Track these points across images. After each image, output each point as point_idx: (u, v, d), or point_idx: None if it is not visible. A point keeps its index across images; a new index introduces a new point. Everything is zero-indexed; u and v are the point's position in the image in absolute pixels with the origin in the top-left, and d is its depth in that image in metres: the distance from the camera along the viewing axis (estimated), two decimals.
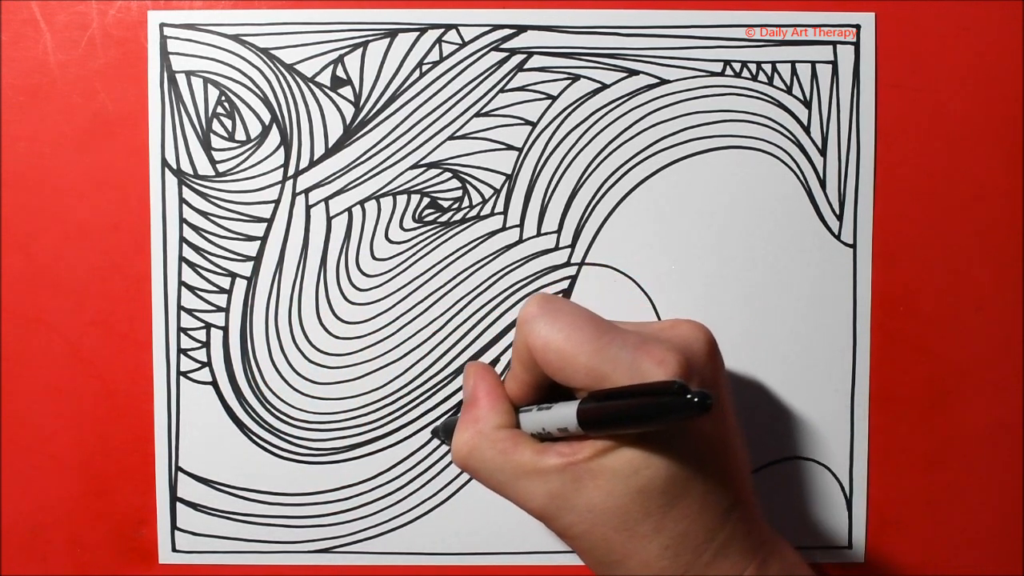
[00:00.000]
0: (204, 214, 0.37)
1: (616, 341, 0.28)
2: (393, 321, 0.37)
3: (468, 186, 0.37)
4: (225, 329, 0.37)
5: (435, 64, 0.36)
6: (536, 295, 0.30)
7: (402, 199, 0.37)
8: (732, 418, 0.30)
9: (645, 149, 0.37)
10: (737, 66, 0.37)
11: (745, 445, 0.31)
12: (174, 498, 0.37)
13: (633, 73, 0.37)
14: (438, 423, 0.37)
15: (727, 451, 0.29)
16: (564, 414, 0.28)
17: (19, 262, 0.36)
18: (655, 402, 0.25)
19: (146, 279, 0.37)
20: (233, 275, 0.37)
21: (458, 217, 0.37)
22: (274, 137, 0.36)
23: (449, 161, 0.37)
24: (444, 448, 0.37)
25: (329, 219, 0.37)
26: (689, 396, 0.24)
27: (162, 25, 0.36)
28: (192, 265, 0.37)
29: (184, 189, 0.36)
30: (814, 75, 0.37)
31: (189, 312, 0.37)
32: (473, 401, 0.31)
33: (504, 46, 0.37)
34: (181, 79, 0.36)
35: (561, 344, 0.28)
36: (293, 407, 0.37)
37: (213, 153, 0.36)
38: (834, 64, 0.37)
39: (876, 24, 0.37)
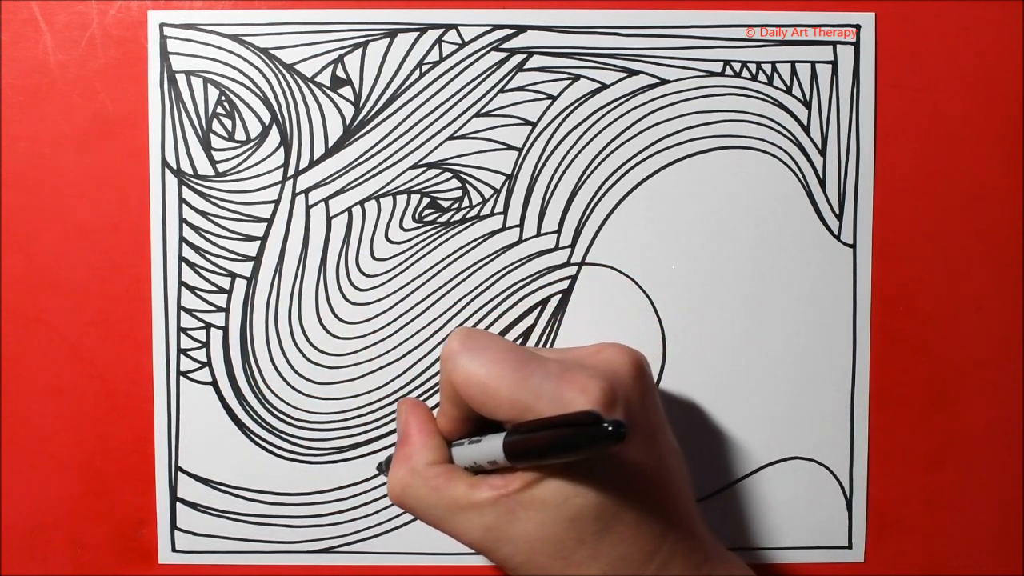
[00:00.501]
0: (204, 214, 0.37)
1: (537, 372, 0.28)
2: (393, 321, 0.37)
3: (468, 186, 0.37)
4: (225, 329, 0.37)
5: (435, 64, 0.36)
6: (458, 330, 0.30)
7: (402, 199, 0.37)
8: (665, 438, 0.30)
9: (645, 149, 0.37)
10: (737, 66, 0.37)
11: (683, 464, 0.31)
12: (174, 498, 0.37)
13: (633, 73, 0.37)
14: (382, 458, 0.37)
15: (660, 472, 0.29)
16: (492, 447, 0.28)
17: (19, 262, 0.36)
18: (571, 433, 0.25)
19: (146, 279, 0.37)
20: (233, 275, 0.37)
21: (458, 217, 0.37)
22: (274, 137, 0.36)
23: (449, 161, 0.37)
24: None
25: (329, 219, 0.37)
26: (604, 425, 0.24)
27: (162, 25, 0.36)
28: (192, 265, 0.37)
29: (184, 189, 0.36)
30: (814, 75, 0.37)
31: (189, 312, 0.37)
32: (405, 438, 0.31)
33: (504, 46, 0.37)
34: (181, 79, 0.36)
35: (483, 378, 0.28)
36: (293, 407, 0.37)
37: (213, 153, 0.36)
38: (834, 64, 0.37)
39: (876, 24, 0.37)
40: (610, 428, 0.24)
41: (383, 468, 0.36)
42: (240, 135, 0.36)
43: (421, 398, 0.37)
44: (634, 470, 0.28)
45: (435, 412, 0.32)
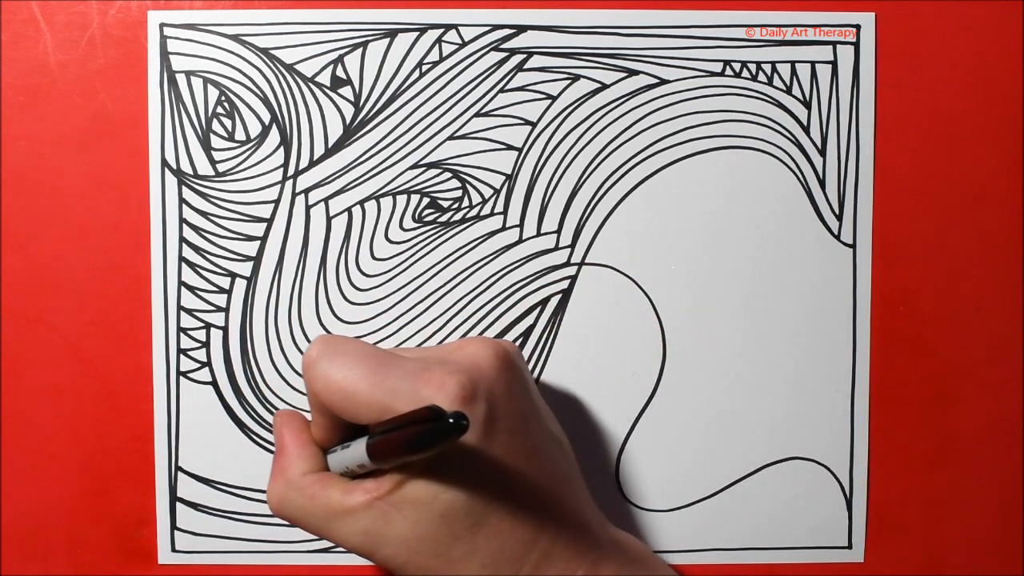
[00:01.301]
0: (204, 214, 0.37)
1: (395, 372, 0.28)
2: (393, 321, 0.37)
3: (468, 186, 0.37)
4: (225, 329, 0.37)
5: (435, 64, 0.36)
6: (318, 337, 0.30)
7: (402, 199, 0.37)
8: (539, 426, 0.30)
9: (645, 149, 0.37)
10: (737, 66, 0.37)
11: (564, 450, 0.31)
12: (174, 498, 0.37)
13: (633, 73, 0.37)
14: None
15: (533, 461, 0.29)
16: (360, 450, 0.28)
17: (19, 262, 0.36)
18: (419, 430, 0.25)
19: (146, 279, 0.37)
20: (233, 275, 0.37)
21: (458, 217, 0.37)
22: (274, 137, 0.36)
23: (449, 161, 0.37)
24: None
25: (329, 219, 0.37)
26: (447, 419, 0.24)
27: (162, 25, 0.36)
28: (192, 265, 0.37)
29: (184, 189, 0.36)
30: (814, 75, 0.37)
31: (189, 312, 0.37)
32: (280, 450, 0.31)
33: (504, 46, 0.37)
34: (181, 79, 0.36)
35: (341, 383, 0.28)
36: (293, 407, 0.37)
37: (213, 153, 0.36)
38: (834, 64, 0.37)
39: (876, 24, 0.37)
40: (452, 421, 0.24)
41: None
42: (240, 135, 0.36)
43: None
44: (503, 462, 0.28)
45: None
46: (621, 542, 0.31)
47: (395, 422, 0.27)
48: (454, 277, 0.37)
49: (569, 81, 0.37)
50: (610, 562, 0.30)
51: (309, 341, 0.37)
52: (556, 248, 0.37)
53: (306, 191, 0.37)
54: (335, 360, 0.29)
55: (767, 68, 0.37)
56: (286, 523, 0.37)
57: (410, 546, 0.28)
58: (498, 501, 0.28)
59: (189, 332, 0.37)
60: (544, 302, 0.37)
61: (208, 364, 0.37)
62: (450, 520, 0.28)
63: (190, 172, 0.36)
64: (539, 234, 0.37)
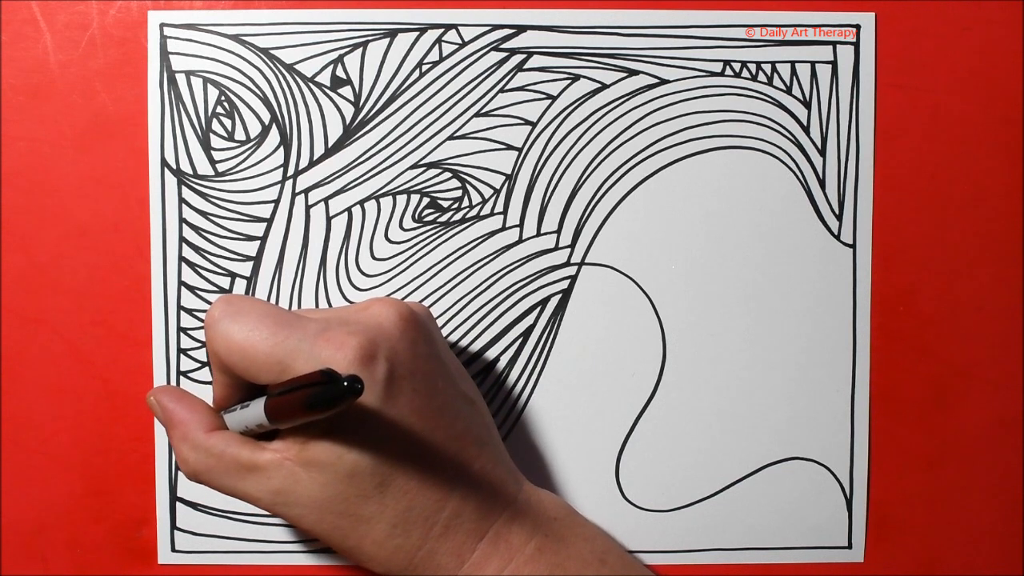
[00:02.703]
0: (204, 214, 0.37)
1: (296, 332, 0.28)
2: None
3: (468, 186, 0.37)
4: None
5: (435, 64, 0.36)
6: (221, 297, 0.30)
7: (402, 199, 0.37)
8: (447, 386, 0.30)
9: (645, 149, 0.37)
10: (737, 66, 0.37)
11: (474, 408, 0.31)
12: (174, 498, 0.37)
13: (633, 73, 0.37)
14: None
15: (440, 421, 0.29)
16: (259, 410, 0.28)
17: (19, 262, 0.36)
18: (314, 392, 0.25)
19: (146, 279, 0.37)
20: (233, 275, 0.37)
21: (458, 217, 0.37)
22: (274, 137, 0.36)
23: (449, 161, 0.37)
24: None
25: (329, 219, 0.37)
26: (340, 382, 0.24)
27: (162, 25, 0.36)
28: (192, 265, 0.37)
29: (184, 189, 0.36)
30: (814, 75, 0.37)
31: (189, 312, 0.37)
32: (170, 421, 0.31)
33: (504, 46, 0.37)
34: (181, 79, 0.36)
35: (241, 343, 0.28)
36: None
37: (213, 153, 0.36)
38: (834, 64, 0.37)
39: (876, 24, 0.37)
40: (346, 384, 0.24)
41: None
42: (240, 135, 0.36)
43: None
44: (408, 422, 0.28)
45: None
46: (537, 501, 0.31)
47: (293, 383, 0.27)
48: (454, 277, 0.37)
49: (569, 81, 0.37)
50: (524, 519, 0.30)
51: None
52: (556, 248, 0.37)
53: (306, 191, 0.37)
54: (237, 319, 0.29)
55: (767, 68, 0.37)
56: (286, 523, 0.37)
57: (319, 505, 0.28)
58: (404, 461, 0.28)
59: (189, 332, 0.37)
60: (544, 302, 0.37)
61: (208, 364, 0.37)
62: (356, 480, 0.28)
63: (190, 172, 0.36)
64: (539, 234, 0.37)
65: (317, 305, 0.37)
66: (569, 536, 0.32)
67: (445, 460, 0.29)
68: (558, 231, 0.37)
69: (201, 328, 0.37)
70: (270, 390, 0.28)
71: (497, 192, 0.37)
